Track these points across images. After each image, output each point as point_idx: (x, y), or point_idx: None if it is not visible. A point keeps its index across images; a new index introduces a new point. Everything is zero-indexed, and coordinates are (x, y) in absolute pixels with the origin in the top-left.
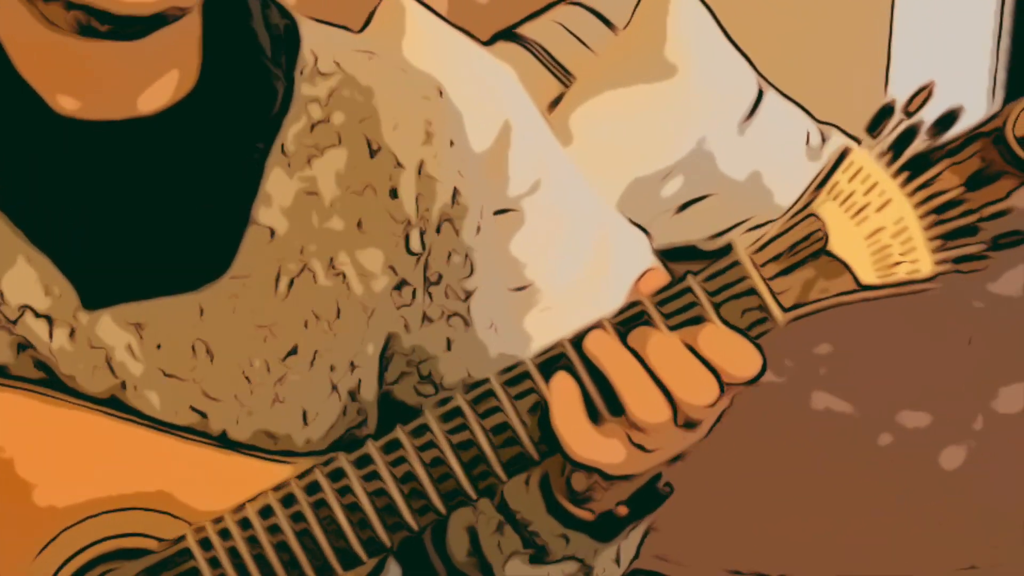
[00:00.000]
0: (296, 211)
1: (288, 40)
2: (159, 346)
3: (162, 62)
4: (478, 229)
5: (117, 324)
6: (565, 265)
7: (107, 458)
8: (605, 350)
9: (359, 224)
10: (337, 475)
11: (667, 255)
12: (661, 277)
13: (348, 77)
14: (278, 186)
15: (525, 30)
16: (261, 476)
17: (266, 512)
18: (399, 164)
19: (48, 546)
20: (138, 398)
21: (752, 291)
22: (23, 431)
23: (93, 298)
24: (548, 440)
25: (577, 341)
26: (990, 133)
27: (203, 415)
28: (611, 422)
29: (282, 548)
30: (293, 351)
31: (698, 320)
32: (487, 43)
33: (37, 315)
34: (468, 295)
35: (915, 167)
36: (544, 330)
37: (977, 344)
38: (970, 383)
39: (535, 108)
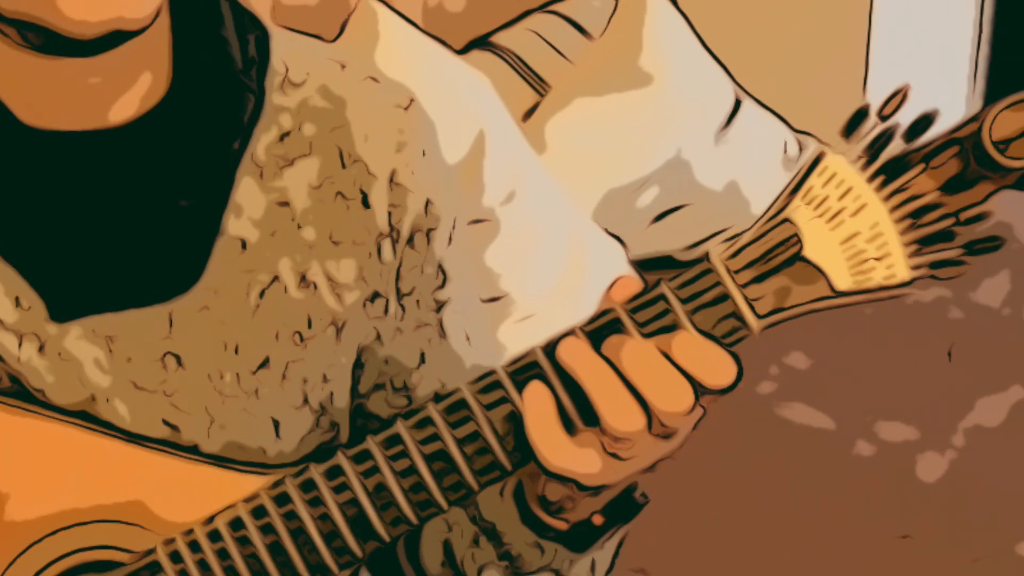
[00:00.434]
0: (267, 222)
1: (259, 50)
2: (129, 359)
3: (130, 72)
4: (451, 239)
5: (86, 337)
6: (540, 276)
7: (77, 470)
8: (578, 358)
9: (331, 235)
10: (308, 486)
11: (643, 266)
12: (633, 284)
13: (320, 87)
14: (249, 197)
15: (500, 39)
16: (232, 487)
17: (236, 524)
18: (371, 174)
19: (18, 559)
20: (109, 411)
21: (726, 298)
22: None
23: (62, 311)
24: (522, 450)
25: (549, 349)
26: (967, 137)
27: (174, 428)
28: (585, 431)
29: (253, 560)
30: (264, 363)
31: (672, 328)
32: (461, 52)
33: (5, 328)
34: (441, 306)
35: (891, 171)
36: (519, 341)
37: (957, 355)
38: (950, 394)
39: (510, 117)
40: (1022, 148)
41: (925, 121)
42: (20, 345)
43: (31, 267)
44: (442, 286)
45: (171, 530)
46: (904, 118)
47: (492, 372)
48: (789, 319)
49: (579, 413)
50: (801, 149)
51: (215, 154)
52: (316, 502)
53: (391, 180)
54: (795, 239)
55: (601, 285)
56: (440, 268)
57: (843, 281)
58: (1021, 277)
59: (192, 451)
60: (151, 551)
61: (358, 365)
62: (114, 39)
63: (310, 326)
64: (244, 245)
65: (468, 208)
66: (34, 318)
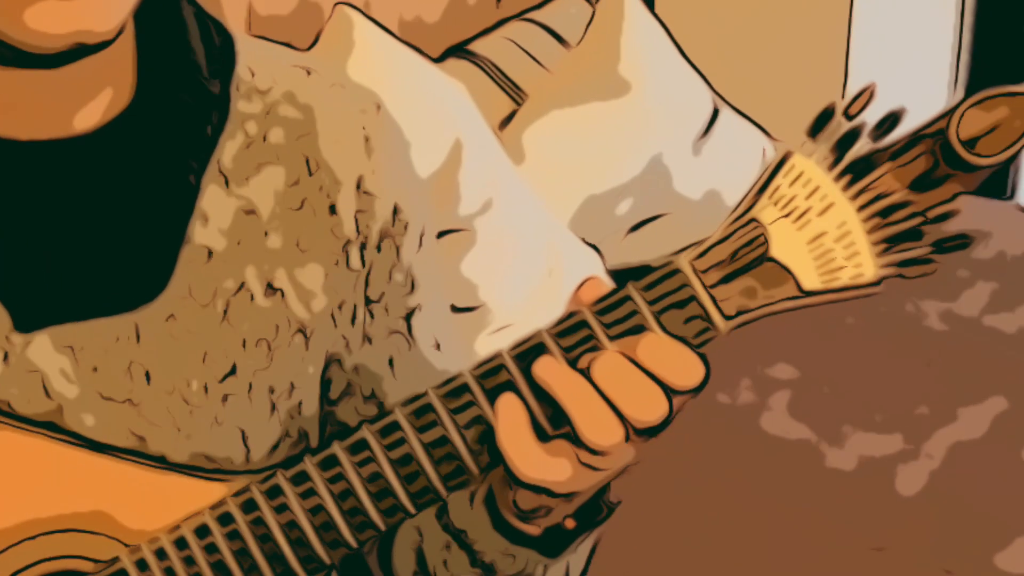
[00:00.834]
0: (233, 230)
1: (225, 57)
2: (95, 369)
3: (94, 81)
4: (420, 245)
5: (52, 347)
6: (517, 286)
7: (42, 479)
8: (555, 375)
9: (298, 242)
10: (274, 492)
11: (621, 275)
12: (601, 286)
13: (285, 93)
14: (215, 204)
15: (476, 47)
16: (198, 495)
17: (202, 531)
18: (338, 180)
19: None
20: (75, 422)
21: (693, 299)
22: None
23: (27, 321)
24: (490, 454)
25: (518, 355)
26: (934, 135)
27: (141, 438)
28: (557, 440)
29: (219, 568)
30: (231, 372)
31: (639, 329)
32: (438, 60)
33: None
34: (410, 313)
35: (857, 170)
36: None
37: (936, 365)
38: (929, 405)
39: (487, 126)
40: (990, 146)
41: (892, 120)
42: None
43: None
44: (411, 293)
45: (137, 538)
46: (875, 118)
47: (459, 376)
48: (757, 319)
49: (548, 418)
50: None
51: (180, 162)
52: (282, 508)
53: (358, 186)
54: (762, 239)
55: None
56: (409, 275)
57: (811, 281)
58: (1000, 287)
59: (160, 461)
60: (116, 559)
61: (327, 373)
62: (78, 52)
63: (277, 334)
64: (210, 253)
65: (443, 217)
66: None
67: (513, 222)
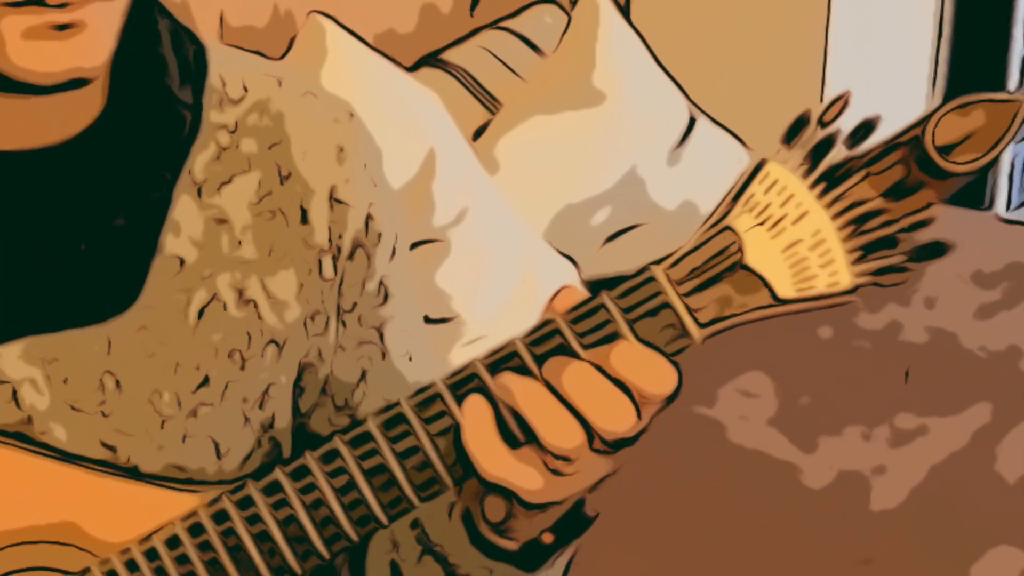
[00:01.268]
0: (206, 239)
1: (197, 67)
2: (66, 380)
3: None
4: (393, 255)
5: (22, 358)
6: (491, 297)
7: (12, 490)
8: (515, 382)
9: (270, 252)
10: (246, 503)
11: (596, 286)
12: (576, 294)
13: (257, 102)
14: (187, 214)
15: (450, 56)
16: (169, 506)
17: (173, 542)
18: (310, 189)
19: None
20: (46, 433)
21: (667, 307)
22: None
23: None
24: (462, 463)
25: (491, 364)
26: (909, 142)
27: (112, 450)
28: (527, 448)
29: None
30: (204, 383)
31: (613, 338)
32: (411, 69)
33: None
34: (382, 323)
35: (832, 178)
36: None
37: (915, 377)
38: (908, 417)
39: (460, 135)
40: (966, 153)
41: (867, 127)
42: None
43: None
44: (384, 303)
45: (108, 550)
46: (852, 124)
47: (431, 385)
48: (732, 328)
49: (522, 429)
50: None
51: (152, 172)
52: (254, 519)
53: (331, 195)
54: (736, 247)
55: None
56: (382, 284)
57: (786, 289)
58: (979, 297)
59: (131, 472)
60: (86, 571)
61: (299, 383)
62: (71, 84)
63: (250, 345)
64: (182, 263)
65: (416, 227)
66: None
67: (487, 233)
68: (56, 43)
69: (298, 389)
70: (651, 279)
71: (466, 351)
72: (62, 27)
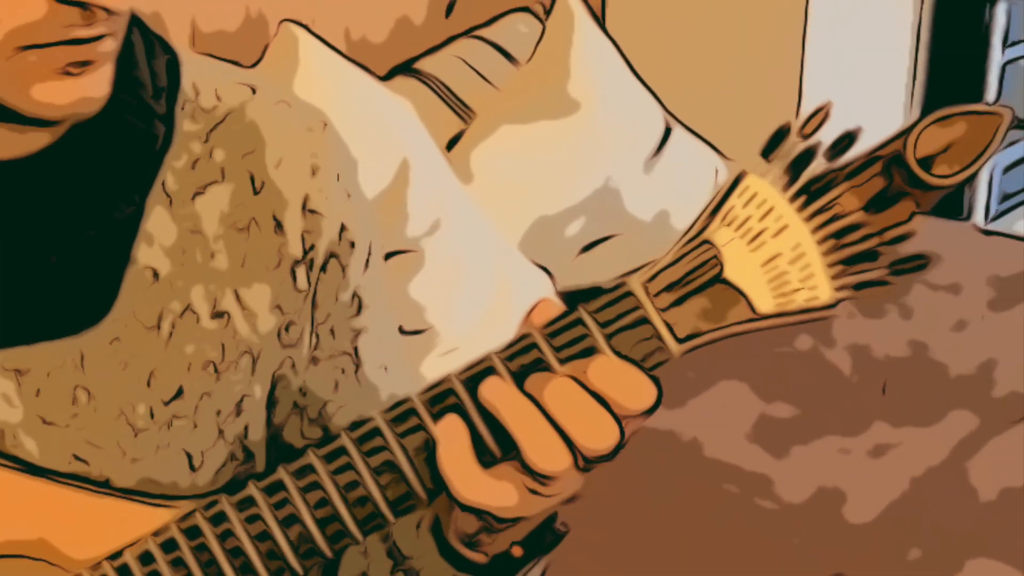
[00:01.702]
0: (179, 250)
1: (170, 76)
2: (38, 392)
3: None
4: (367, 266)
5: None
6: (465, 308)
7: None
8: (502, 398)
9: (244, 262)
10: (219, 518)
11: (571, 298)
12: (553, 308)
13: (230, 111)
14: (160, 225)
15: (424, 65)
16: (142, 520)
17: (146, 558)
18: (283, 199)
19: None
20: (16, 446)
21: (645, 321)
22: None
23: None
24: (436, 480)
25: (467, 379)
26: (890, 154)
27: (85, 463)
28: (503, 465)
29: None
30: (177, 395)
31: (590, 352)
32: (384, 78)
33: None
34: (356, 334)
35: (813, 191)
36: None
37: (892, 390)
38: (885, 430)
39: (434, 145)
40: (947, 165)
41: (847, 139)
42: None
43: None
44: (357, 314)
45: (79, 566)
46: (832, 136)
47: (407, 400)
48: (710, 342)
49: (498, 442)
50: None
51: (124, 183)
52: (227, 535)
53: (304, 205)
54: (715, 261)
55: None
56: (355, 295)
57: (765, 303)
58: (958, 309)
59: (104, 486)
60: None
61: (273, 395)
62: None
63: (224, 356)
64: (155, 275)
65: (390, 237)
66: None
67: (462, 243)
68: (65, 80)
69: (272, 401)
70: (629, 293)
71: (440, 362)
72: (82, 64)
